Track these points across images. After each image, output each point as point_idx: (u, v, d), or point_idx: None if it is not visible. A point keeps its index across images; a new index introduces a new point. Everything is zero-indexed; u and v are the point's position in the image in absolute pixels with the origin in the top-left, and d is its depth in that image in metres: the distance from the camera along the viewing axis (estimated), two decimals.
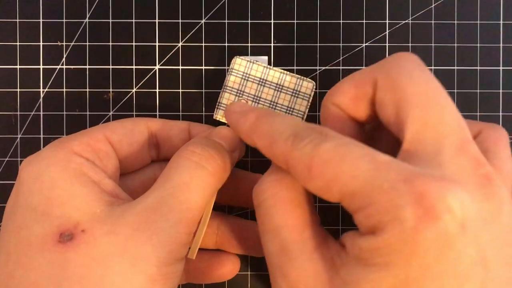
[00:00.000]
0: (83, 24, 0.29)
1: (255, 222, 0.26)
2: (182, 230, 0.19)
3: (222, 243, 0.26)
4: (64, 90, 0.29)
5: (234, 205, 0.28)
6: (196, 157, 0.21)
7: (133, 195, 0.21)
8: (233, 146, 0.24)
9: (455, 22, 0.29)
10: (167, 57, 0.29)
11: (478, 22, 0.29)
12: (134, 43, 0.29)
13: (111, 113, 0.29)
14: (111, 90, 0.29)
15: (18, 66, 0.29)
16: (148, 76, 0.29)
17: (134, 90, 0.29)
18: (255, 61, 0.27)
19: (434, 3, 0.29)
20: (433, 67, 0.29)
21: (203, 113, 0.29)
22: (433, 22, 0.29)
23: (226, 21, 0.29)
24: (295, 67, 0.29)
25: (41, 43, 0.29)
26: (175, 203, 0.20)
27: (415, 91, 0.18)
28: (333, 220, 0.29)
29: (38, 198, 0.19)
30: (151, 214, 0.19)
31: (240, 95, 0.26)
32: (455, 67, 0.29)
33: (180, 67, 0.29)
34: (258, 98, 0.26)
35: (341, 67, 0.29)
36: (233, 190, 0.26)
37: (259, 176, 0.26)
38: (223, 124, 0.26)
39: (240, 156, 0.25)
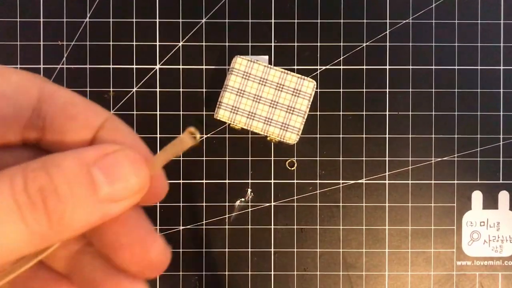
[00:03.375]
0: (84, 24, 0.29)
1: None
2: None
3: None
4: None
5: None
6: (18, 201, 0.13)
7: None
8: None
9: (456, 21, 0.29)
10: (167, 56, 0.29)
11: (479, 21, 0.29)
12: (134, 43, 0.29)
13: (111, 112, 0.29)
14: (111, 89, 0.29)
15: (18, 66, 0.29)
16: (148, 76, 0.29)
17: (134, 89, 0.29)
18: (256, 61, 0.27)
19: (434, 3, 0.29)
20: (433, 67, 0.29)
21: (204, 113, 0.29)
22: (433, 21, 0.29)
23: (227, 20, 0.29)
24: (295, 67, 0.29)
25: (41, 43, 0.29)
26: None
27: None
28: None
29: None
30: None
31: (241, 94, 0.26)
32: (456, 67, 0.29)
33: (181, 67, 0.29)
34: (259, 97, 0.26)
35: (341, 67, 0.29)
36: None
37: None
38: (224, 123, 0.26)
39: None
